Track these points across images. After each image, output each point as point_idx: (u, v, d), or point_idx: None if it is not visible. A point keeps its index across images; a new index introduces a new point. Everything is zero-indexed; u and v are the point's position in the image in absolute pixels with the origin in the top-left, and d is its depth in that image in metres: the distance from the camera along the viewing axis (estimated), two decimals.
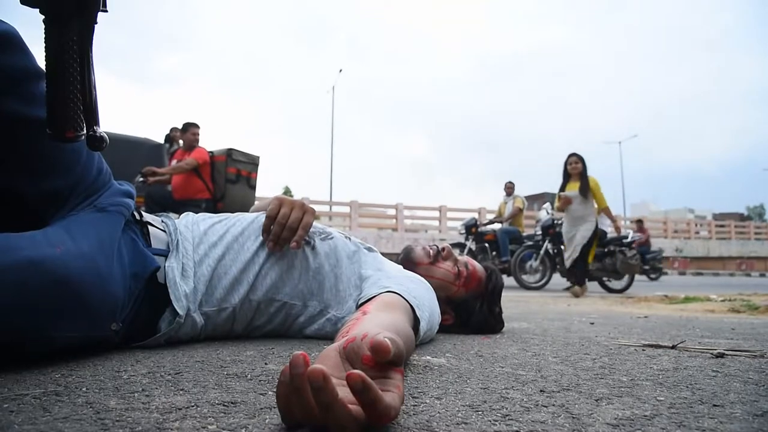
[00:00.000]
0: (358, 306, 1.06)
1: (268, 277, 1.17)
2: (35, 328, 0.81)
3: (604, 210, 5.76)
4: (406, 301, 1.02)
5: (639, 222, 12.89)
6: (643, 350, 1.28)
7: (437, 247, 1.47)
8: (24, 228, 0.87)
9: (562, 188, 5.62)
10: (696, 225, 26.69)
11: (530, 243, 7.52)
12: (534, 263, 7.12)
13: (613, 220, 6.18)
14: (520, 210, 7.99)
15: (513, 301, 3.67)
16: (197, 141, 5.57)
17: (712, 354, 1.21)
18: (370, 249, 1.37)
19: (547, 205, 9.35)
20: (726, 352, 1.22)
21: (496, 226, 8.13)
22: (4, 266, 0.76)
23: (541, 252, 7.12)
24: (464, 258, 1.50)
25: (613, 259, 6.83)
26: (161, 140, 7.04)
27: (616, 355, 1.18)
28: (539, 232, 7.51)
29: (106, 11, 0.64)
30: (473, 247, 7.92)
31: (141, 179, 5.21)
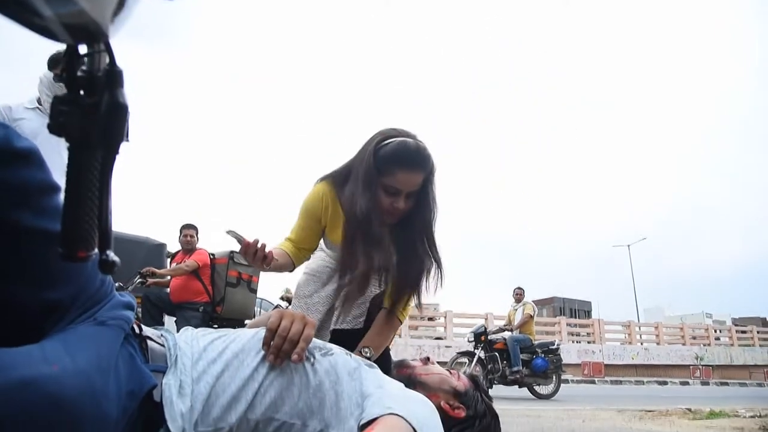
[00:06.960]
0: (360, 428, 1.03)
1: (267, 395, 1.14)
2: None
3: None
4: (409, 424, 1.00)
5: None
6: None
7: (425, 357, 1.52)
8: (22, 339, 0.87)
9: None
10: (715, 331, 25.79)
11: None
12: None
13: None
14: (531, 317, 7.83)
15: (524, 416, 3.48)
16: (191, 243, 5.51)
17: None
18: (370, 365, 1.35)
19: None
20: None
21: (506, 333, 7.87)
22: None
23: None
24: None
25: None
26: (162, 239, 7.03)
27: None
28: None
29: (129, 141, 0.69)
30: (482, 355, 7.53)
31: (140, 280, 5.16)
